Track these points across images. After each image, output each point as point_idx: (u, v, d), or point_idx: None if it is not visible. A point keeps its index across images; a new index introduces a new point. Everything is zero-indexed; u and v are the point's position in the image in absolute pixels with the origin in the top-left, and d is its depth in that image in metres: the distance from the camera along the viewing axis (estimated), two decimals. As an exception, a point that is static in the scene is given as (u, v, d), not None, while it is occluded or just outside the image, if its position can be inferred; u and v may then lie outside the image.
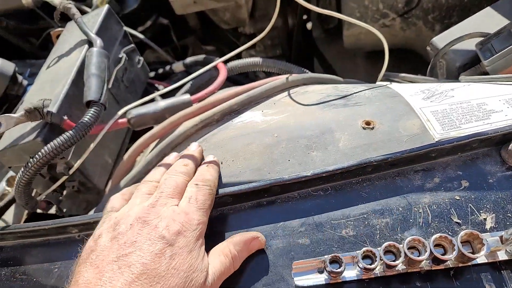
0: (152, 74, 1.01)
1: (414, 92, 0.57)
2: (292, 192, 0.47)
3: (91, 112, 0.57)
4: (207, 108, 0.65)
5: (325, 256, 0.40)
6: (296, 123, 0.56)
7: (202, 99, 0.70)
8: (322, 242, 0.43)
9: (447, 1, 0.91)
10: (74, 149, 0.63)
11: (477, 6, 0.88)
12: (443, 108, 0.51)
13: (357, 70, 1.25)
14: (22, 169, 0.55)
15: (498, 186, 0.43)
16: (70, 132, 0.54)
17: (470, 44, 0.66)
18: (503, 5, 0.71)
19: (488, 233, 0.40)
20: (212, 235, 0.45)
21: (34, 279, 0.49)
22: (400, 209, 0.43)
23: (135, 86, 0.86)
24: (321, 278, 0.40)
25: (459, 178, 0.44)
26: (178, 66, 1.00)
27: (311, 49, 1.37)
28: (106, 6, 0.81)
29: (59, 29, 0.84)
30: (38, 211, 0.70)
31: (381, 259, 0.38)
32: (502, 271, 0.39)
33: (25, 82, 0.80)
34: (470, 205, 0.42)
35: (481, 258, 0.39)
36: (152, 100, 0.76)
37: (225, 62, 0.81)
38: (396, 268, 0.39)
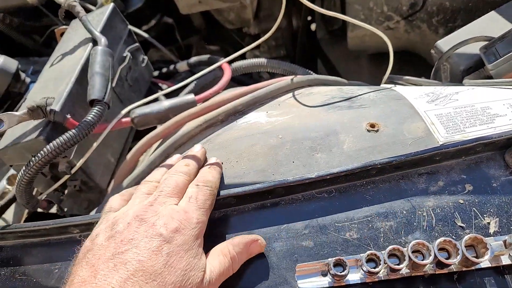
0: (156, 73, 1.00)
1: (418, 95, 0.57)
2: (296, 194, 0.47)
3: (95, 111, 0.57)
4: (211, 108, 0.65)
5: (329, 259, 0.40)
6: (301, 124, 0.56)
7: (206, 99, 0.70)
8: (326, 245, 0.43)
9: (451, 5, 0.91)
10: (76, 148, 0.62)
11: (482, 10, 0.88)
12: (447, 112, 0.51)
13: (361, 72, 1.24)
14: (24, 167, 0.54)
15: (502, 190, 0.43)
16: (73, 131, 0.54)
17: (474, 48, 0.66)
18: (508, 9, 0.71)
19: (492, 237, 0.40)
20: (215, 236, 0.45)
21: (34, 280, 0.49)
22: (404, 212, 0.43)
23: (139, 85, 0.86)
24: (325, 281, 0.40)
25: (463, 182, 0.44)
26: (182, 66, 1.00)
27: (315, 50, 1.37)
28: (111, 5, 0.80)
29: (63, 27, 0.84)
30: (39, 210, 0.70)
31: (385, 263, 0.38)
32: (505, 276, 0.39)
33: (28, 80, 0.80)
34: (474, 209, 0.42)
35: (484, 262, 0.39)
36: (156, 99, 0.76)
37: (230, 62, 0.81)
38: (400, 272, 0.39)
